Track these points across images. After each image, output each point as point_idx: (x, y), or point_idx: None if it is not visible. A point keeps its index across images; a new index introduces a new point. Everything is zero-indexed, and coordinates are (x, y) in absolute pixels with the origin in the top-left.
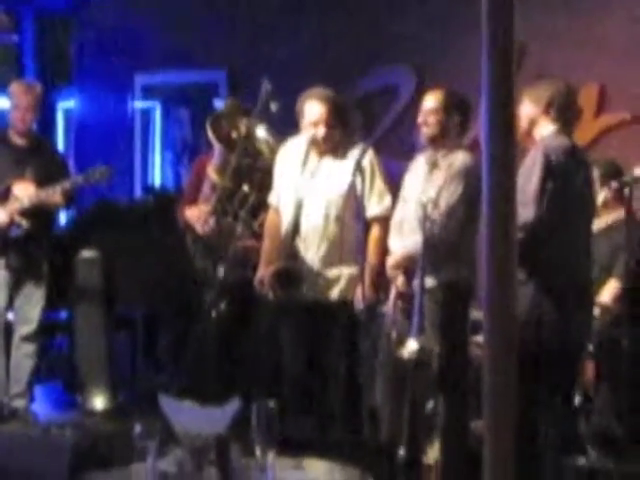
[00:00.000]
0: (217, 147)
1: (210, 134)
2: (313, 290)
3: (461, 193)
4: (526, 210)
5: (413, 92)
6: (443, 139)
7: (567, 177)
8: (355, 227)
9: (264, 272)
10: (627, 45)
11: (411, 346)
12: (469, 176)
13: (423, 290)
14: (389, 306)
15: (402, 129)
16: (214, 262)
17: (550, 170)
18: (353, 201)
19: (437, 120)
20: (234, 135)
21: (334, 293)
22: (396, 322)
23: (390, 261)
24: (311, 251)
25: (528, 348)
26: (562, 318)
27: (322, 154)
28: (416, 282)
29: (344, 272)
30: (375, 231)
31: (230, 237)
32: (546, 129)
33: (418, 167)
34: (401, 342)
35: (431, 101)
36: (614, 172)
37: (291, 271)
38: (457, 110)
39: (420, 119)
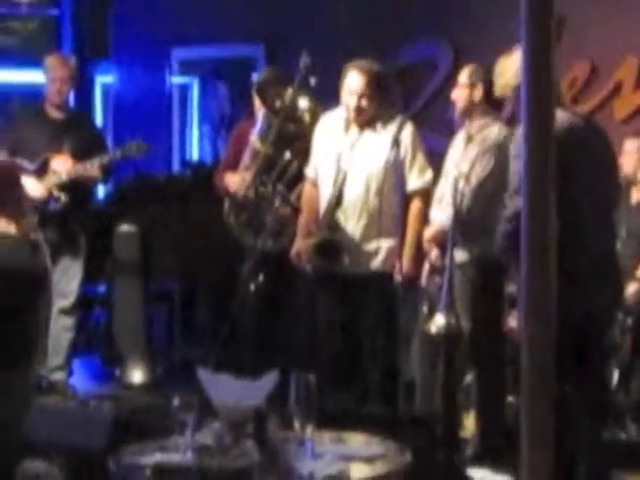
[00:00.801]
0: (261, 114)
1: (256, 100)
2: (352, 262)
3: (492, 167)
4: (515, 199)
5: (451, 67)
6: (471, 113)
7: (567, 154)
8: (395, 200)
9: (301, 245)
10: None
11: (438, 321)
12: (502, 150)
13: (452, 264)
14: (423, 280)
15: (440, 104)
16: (252, 231)
17: None
18: (393, 174)
19: (463, 94)
20: (278, 104)
21: (373, 265)
22: (429, 296)
23: (425, 235)
24: (351, 223)
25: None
26: (579, 294)
27: (362, 126)
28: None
29: (383, 245)
30: (416, 205)
31: (268, 207)
32: None
33: (458, 141)
34: (431, 316)
35: (460, 76)
36: None
37: (332, 242)
38: (482, 83)
39: (452, 95)
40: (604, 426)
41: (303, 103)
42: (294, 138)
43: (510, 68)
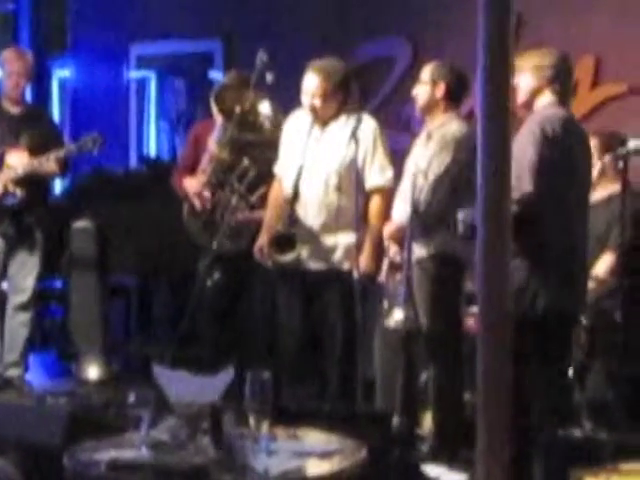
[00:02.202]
0: (219, 120)
1: (214, 107)
2: (310, 257)
3: (449, 163)
4: (522, 183)
5: (408, 64)
6: (432, 110)
7: (564, 148)
8: (355, 197)
9: (264, 240)
10: (620, 13)
11: (397, 316)
12: (459, 147)
13: (410, 260)
14: (382, 276)
15: (398, 101)
16: (209, 232)
17: (546, 141)
18: (352, 171)
19: (425, 92)
20: (237, 109)
21: (332, 261)
22: (388, 292)
23: (385, 231)
24: (309, 218)
25: (524, 318)
26: (557, 290)
27: (324, 124)
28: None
29: (341, 240)
30: (375, 202)
31: (225, 209)
32: (545, 100)
33: (420, 139)
34: (390, 312)
35: (422, 72)
36: (615, 143)
37: (287, 236)
38: (445, 81)
39: (413, 92)
40: (561, 424)
41: (264, 109)
42: (253, 146)
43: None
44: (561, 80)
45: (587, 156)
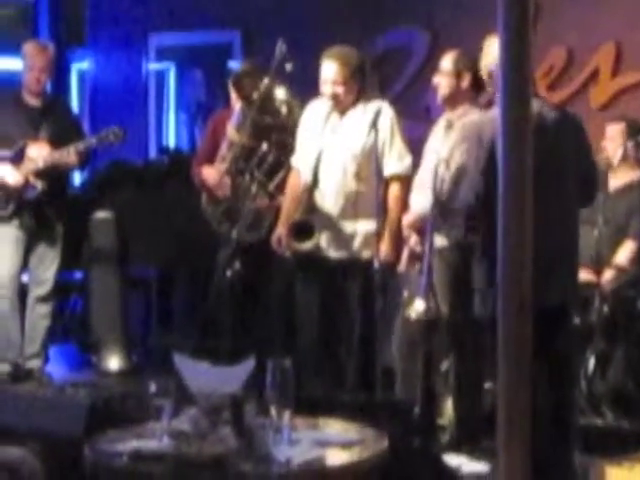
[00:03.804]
0: (238, 106)
1: (232, 92)
2: (329, 244)
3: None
4: (475, 181)
5: (426, 54)
6: (456, 100)
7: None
8: (374, 185)
9: (282, 230)
10: None
11: (418, 306)
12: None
13: (432, 250)
14: (402, 265)
15: (415, 91)
16: (229, 222)
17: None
18: (372, 159)
19: (449, 82)
20: (254, 95)
21: (351, 249)
22: (409, 282)
23: (405, 221)
24: (328, 205)
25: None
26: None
27: (342, 112)
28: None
29: (361, 228)
30: (394, 189)
31: (245, 197)
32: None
33: (439, 128)
34: (411, 302)
35: (444, 63)
36: (636, 130)
37: (305, 223)
38: (469, 71)
39: (434, 81)
40: (576, 413)
41: (280, 95)
42: (271, 130)
43: (490, 51)
44: None
45: (580, 148)
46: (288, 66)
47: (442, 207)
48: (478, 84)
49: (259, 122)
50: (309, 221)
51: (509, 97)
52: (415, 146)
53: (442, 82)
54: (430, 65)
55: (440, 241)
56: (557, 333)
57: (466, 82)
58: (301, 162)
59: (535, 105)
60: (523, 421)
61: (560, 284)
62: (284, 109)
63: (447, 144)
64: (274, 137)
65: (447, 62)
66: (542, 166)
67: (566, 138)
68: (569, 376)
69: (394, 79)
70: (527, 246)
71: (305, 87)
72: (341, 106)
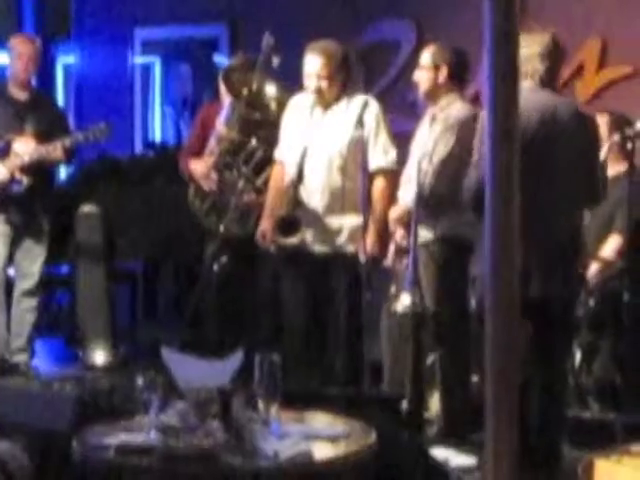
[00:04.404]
0: (227, 101)
1: (222, 87)
2: (315, 239)
3: (452, 146)
4: (474, 171)
5: (414, 48)
6: (435, 94)
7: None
8: (360, 179)
9: (266, 225)
10: None
11: (404, 300)
12: (462, 129)
13: (416, 244)
14: (389, 260)
15: (404, 84)
16: (216, 216)
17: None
18: (358, 153)
19: (428, 76)
20: (244, 91)
21: (336, 243)
22: (395, 277)
23: (391, 215)
24: (313, 200)
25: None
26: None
27: (327, 106)
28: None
29: (346, 222)
30: (379, 183)
31: (232, 192)
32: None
33: (424, 122)
34: (397, 296)
35: (422, 58)
36: (623, 123)
37: (291, 218)
38: (446, 64)
39: (415, 77)
40: (565, 406)
41: (270, 90)
42: (260, 126)
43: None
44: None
45: (584, 142)
46: (275, 60)
47: (425, 200)
48: (459, 76)
49: (248, 117)
50: (295, 216)
51: (496, 89)
52: (403, 141)
53: (422, 77)
54: (418, 59)
55: (425, 234)
56: (553, 325)
57: (443, 75)
58: (286, 157)
59: (551, 100)
60: (510, 414)
61: (559, 277)
62: (273, 105)
63: (431, 137)
64: (263, 133)
65: (425, 57)
66: (547, 159)
67: (576, 135)
68: (559, 366)
69: (381, 72)
70: (515, 244)
71: (290, 81)
72: (325, 100)
